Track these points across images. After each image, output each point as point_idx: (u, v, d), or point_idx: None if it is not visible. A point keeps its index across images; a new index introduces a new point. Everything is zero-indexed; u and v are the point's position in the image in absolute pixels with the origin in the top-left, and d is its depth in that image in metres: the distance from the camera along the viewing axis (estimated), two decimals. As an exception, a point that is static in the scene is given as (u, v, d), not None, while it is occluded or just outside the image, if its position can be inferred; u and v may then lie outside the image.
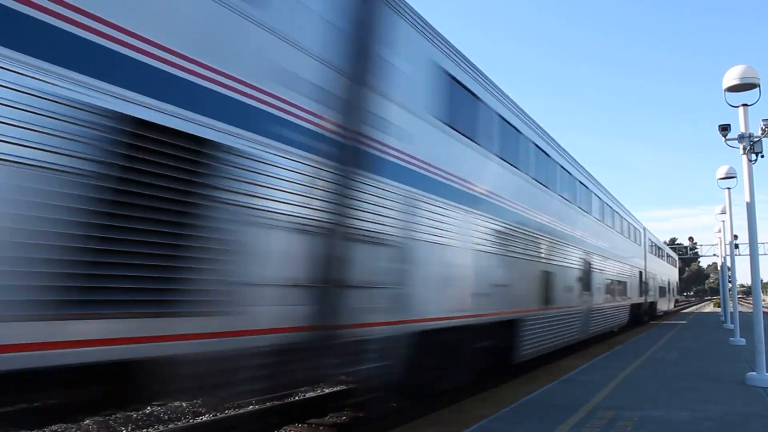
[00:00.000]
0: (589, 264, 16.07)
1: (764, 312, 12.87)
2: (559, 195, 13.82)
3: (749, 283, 9.64)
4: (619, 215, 22.04)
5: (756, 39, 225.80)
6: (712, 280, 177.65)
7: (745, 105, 8.81)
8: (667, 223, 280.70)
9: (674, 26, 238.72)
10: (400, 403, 10.19)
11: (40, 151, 3.48)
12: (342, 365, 6.02)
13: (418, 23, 7.55)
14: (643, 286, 26.45)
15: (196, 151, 4.44)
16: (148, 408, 9.79)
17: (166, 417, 9.33)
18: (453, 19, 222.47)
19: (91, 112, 3.76)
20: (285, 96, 5.30)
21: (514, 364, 10.54)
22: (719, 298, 40.12)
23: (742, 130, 8.79)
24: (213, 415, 9.51)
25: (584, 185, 17.05)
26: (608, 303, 18.63)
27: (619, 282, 20.75)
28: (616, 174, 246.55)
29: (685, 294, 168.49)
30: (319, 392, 11.32)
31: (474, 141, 8.95)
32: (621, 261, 21.17)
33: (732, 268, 19.93)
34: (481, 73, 9.44)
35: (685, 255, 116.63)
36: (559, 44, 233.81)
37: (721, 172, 12.62)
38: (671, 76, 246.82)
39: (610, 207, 20.53)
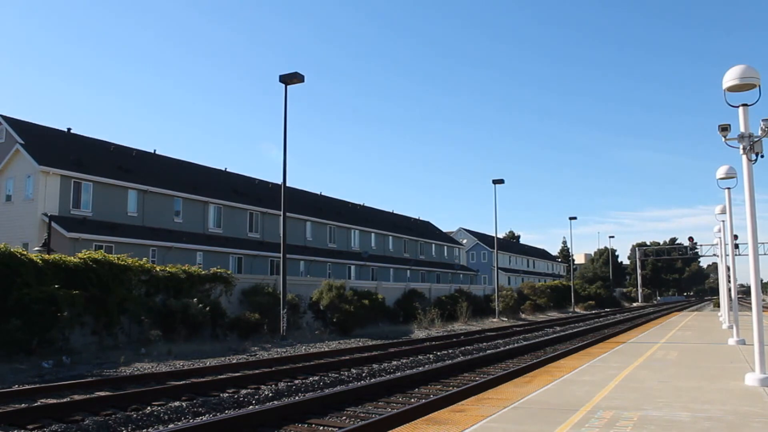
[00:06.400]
0: None
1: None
2: None
3: (749, 282, 9.62)
4: None
5: (756, 38, 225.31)
6: (712, 280, 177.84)
7: (745, 105, 8.79)
8: (667, 223, 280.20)
9: (675, 25, 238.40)
10: (400, 403, 10.18)
11: None
12: None
13: None
14: None
15: None
16: (148, 408, 9.79)
17: (166, 417, 9.33)
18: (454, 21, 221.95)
19: None
20: None
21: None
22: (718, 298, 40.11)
23: (742, 130, 8.78)
24: (213, 415, 9.51)
25: None
26: None
27: None
28: (615, 174, 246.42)
29: (685, 294, 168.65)
30: (319, 393, 11.31)
31: None
32: None
33: (732, 268, 19.92)
34: None
35: (685, 255, 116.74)
36: (559, 43, 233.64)
37: (721, 172, 12.57)
38: (670, 75, 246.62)
39: None
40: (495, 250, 50.35)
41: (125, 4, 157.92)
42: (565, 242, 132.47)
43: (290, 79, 24.65)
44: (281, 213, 25.64)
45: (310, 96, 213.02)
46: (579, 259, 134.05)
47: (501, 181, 43.98)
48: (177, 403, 10.08)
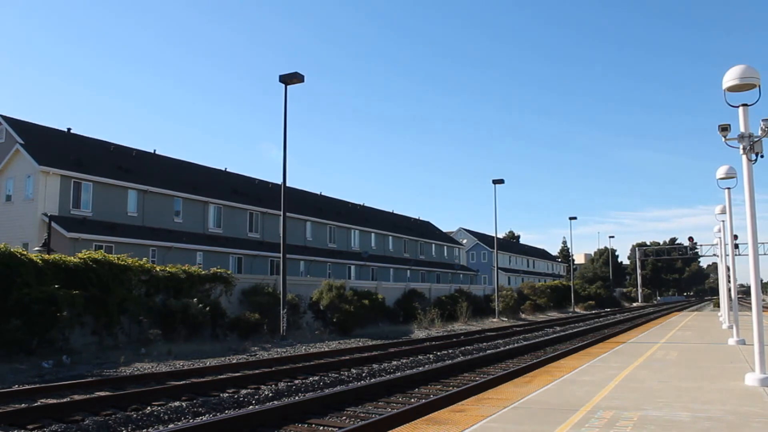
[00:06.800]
0: None
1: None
2: None
3: (749, 282, 9.62)
4: None
5: (756, 38, 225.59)
6: (712, 280, 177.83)
7: (745, 105, 8.78)
8: (667, 223, 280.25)
9: (675, 25, 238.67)
10: (400, 403, 10.17)
11: None
12: None
13: None
14: None
15: None
16: (148, 408, 9.78)
17: (166, 417, 9.33)
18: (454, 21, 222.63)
19: None
20: None
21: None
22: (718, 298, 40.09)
23: (742, 130, 8.78)
24: (213, 415, 9.51)
25: None
26: None
27: None
28: (615, 174, 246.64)
29: (685, 294, 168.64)
30: (319, 393, 11.31)
31: None
32: None
33: (732, 268, 19.91)
34: None
35: (685, 255, 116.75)
36: (557, 45, 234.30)
37: (721, 172, 12.56)
38: (670, 75, 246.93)
39: None
40: (495, 250, 50.35)
41: (125, 4, 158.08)
42: (565, 242, 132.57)
43: (290, 79, 24.65)
44: (281, 213, 25.64)
45: (310, 96, 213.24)
46: (579, 259, 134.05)
47: (501, 181, 43.99)
48: (177, 403, 10.08)
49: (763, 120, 8.51)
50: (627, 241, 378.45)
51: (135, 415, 9.18)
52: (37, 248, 24.37)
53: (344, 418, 9.16)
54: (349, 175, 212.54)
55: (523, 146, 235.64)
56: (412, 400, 10.61)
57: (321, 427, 8.56)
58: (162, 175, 38.75)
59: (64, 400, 10.25)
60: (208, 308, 21.66)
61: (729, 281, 22.64)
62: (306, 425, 8.68)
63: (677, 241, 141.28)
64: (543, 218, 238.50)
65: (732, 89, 8.63)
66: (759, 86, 8.54)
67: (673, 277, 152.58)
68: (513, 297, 45.62)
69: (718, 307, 40.33)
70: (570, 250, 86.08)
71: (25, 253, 17.63)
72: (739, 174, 11.75)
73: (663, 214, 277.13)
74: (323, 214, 51.44)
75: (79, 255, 19.48)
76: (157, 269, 21.75)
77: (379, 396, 10.92)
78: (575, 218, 68.26)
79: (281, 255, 24.84)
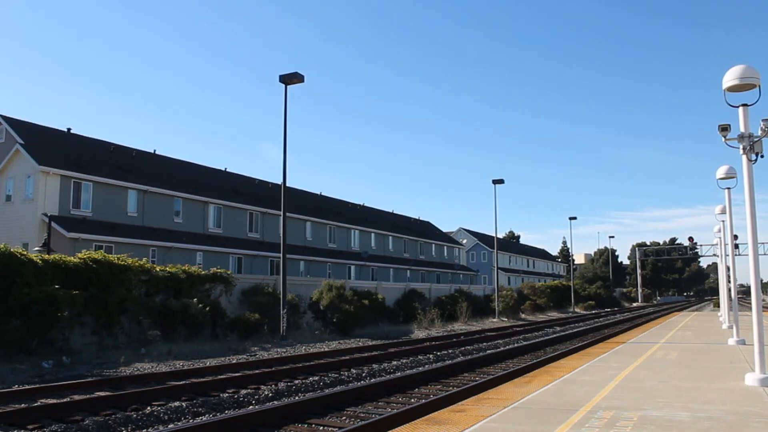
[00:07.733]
0: None
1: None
2: None
3: (749, 282, 9.62)
4: None
5: (756, 38, 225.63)
6: (712, 280, 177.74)
7: (745, 105, 8.78)
8: (667, 223, 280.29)
9: (675, 25, 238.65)
10: (400, 403, 10.17)
11: None
12: None
13: None
14: None
15: None
16: (148, 408, 9.78)
17: (166, 417, 9.33)
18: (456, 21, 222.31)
19: None
20: None
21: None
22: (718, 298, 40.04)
23: (742, 130, 8.78)
24: (213, 415, 9.50)
25: None
26: None
27: None
28: (615, 174, 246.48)
29: (685, 294, 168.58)
30: (319, 393, 11.31)
31: None
32: None
33: (732, 268, 19.91)
34: None
35: (685, 255, 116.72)
36: (557, 45, 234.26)
37: (721, 172, 12.56)
38: (670, 75, 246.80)
39: None
40: (495, 250, 50.34)
41: (125, 4, 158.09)
42: (565, 242, 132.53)
43: (290, 79, 24.65)
44: (281, 213, 25.64)
45: (310, 96, 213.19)
46: (579, 259, 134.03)
47: (501, 181, 43.98)
48: (177, 403, 10.08)
49: (763, 120, 8.51)
50: (627, 241, 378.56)
51: (135, 415, 9.18)
52: (37, 248, 24.37)
53: (344, 418, 9.16)
54: (349, 175, 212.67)
55: (523, 146, 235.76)
56: (412, 400, 10.61)
57: (321, 427, 8.56)
58: (162, 175, 38.74)
59: (64, 400, 10.25)
60: (208, 308, 21.65)
61: (729, 281, 22.63)
62: (306, 425, 8.68)
63: (677, 241, 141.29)
64: (543, 218, 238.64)
65: (732, 89, 8.63)
66: (759, 86, 8.54)
67: (673, 277, 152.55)
68: (513, 297, 45.61)
69: (718, 307, 40.31)
70: (570, 250, 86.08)
71: (25, 253, 17.63)
72: (739, 174, 11.75)
73: (663, 214, 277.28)
74: (323, 214, 51.43)
75: (79, 255, 19.48)
76: (157, 269, 21.75)
77: (379, 396, 10.92)
78: (575, 218, 68.37)
79: (281, 255, 24.85)
